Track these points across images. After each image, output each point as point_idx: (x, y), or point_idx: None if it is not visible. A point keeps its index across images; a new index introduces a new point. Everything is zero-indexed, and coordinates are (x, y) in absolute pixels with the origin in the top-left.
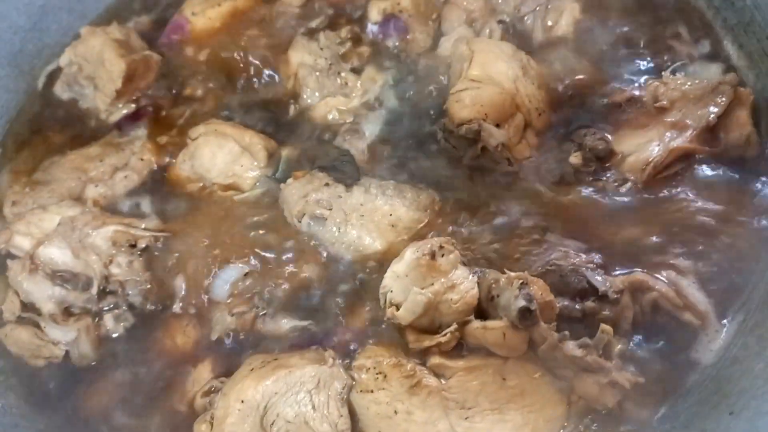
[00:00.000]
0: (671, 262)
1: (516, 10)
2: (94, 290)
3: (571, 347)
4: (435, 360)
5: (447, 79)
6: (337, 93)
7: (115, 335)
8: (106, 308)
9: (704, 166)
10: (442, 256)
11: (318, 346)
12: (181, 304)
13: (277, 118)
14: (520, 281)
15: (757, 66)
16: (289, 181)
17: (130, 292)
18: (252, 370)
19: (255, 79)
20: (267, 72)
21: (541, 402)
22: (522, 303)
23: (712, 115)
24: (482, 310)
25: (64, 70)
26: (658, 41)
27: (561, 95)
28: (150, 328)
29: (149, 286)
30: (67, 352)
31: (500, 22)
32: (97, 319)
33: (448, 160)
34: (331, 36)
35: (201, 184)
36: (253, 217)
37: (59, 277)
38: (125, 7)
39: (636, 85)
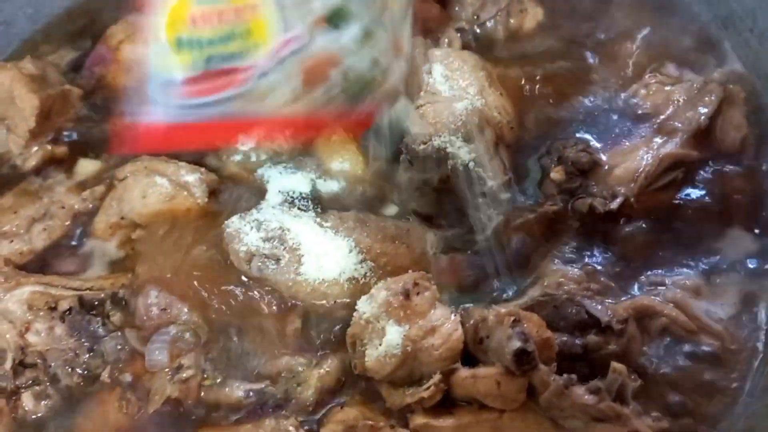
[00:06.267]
0: (676, 281)
1: (474, 17)
2: (8, 365)
3: (581, 393)
4: (418, 419)
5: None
6: None
7: (35, 416)
8: (24, 385)
9: (701, 173)
10: (417, 294)
11: (278, 412)
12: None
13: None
14: (512, 318)
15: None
16: (233, 219)
17: (52, 364)
18: None
19: None
20: None
21: None
22: (517, 344)
23: (702, 117)
24: (469, 355)
25: None
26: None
27: (532, 105)
28: (77, 405)
29: (75, 353)
30: None
31: (459, 30)
32: (13, 399)
33: (414, 184)
34: None
35: (131, 230)
36: (193, 263)
37: None
38: (43, 40)
39: (613, 89)
